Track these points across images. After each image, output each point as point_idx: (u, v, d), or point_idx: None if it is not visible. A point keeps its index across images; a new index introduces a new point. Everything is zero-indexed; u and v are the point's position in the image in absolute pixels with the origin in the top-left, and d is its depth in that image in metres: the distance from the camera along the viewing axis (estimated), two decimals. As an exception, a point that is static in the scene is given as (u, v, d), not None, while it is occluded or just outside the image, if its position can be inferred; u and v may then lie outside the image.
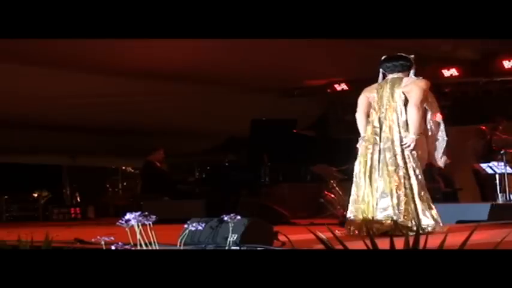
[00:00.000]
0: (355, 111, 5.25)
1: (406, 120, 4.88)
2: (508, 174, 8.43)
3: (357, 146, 5.10)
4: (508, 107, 10.11)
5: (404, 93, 4.95)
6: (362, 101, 5.14)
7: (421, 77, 5.07)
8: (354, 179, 5.02)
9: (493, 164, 8.72)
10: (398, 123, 4.91)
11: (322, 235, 2.52)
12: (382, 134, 4.95)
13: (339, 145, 8.73)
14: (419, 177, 4.83)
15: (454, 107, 9.88)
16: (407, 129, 4.87)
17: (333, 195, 8.54)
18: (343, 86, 11.23)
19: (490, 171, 8.77)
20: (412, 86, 4.94)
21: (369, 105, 5.10)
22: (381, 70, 5.21)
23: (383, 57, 5.20)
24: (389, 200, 4.75)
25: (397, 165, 4.81)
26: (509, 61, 9.70)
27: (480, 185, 9.40)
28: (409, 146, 4.79)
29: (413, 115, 4.84)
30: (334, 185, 8.53)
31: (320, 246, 2.36)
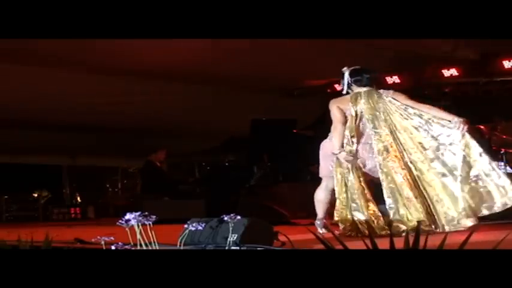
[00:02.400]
0: None
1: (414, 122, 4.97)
2: (508, 174, 8.41)
3: (341, 158, 5.02)
4: (508, 107, 10.10)
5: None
6: (340, 113, 5.10)
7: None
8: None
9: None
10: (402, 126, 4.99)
11: (321, 235, 2.52)
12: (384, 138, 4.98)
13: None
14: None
15: (454, 107, 9.87)
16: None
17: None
18: (343, 86, 11.22)
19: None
20: (396, 94, 5.09)
21: (345, 117, 5.10)
22: (347, 81, 5.22)
23: (353, 68, 5.24)
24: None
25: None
26: (509, 61, 9.70)
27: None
28: (464, 128, 4.82)
29: (430, 108, 4.99)
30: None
31: (320, 246, 2.36)
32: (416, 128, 4.96)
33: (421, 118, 4.94)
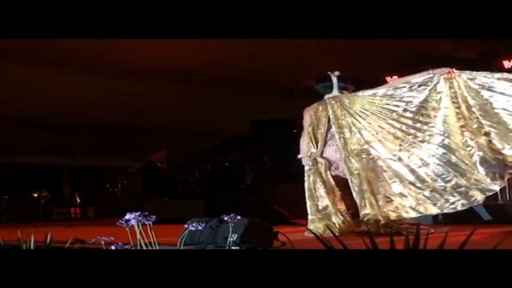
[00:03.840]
0: None
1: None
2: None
3: (304, 162, 5.32)
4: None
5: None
6: (310, 120, 5.46)
7: None
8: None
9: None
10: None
11: (321, 235, 2.52)
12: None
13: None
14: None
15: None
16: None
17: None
18: (343, 86, 11.23)
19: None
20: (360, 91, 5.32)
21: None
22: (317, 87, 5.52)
23: (323, 76, 5.58)
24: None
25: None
26: (509, 61, 9.70)
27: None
28: (449, 70, 5.30)
29: (404, 77, 5.42)
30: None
31: (320, 246, 2.36)
32: (398, 113, 5.08)
33: (399, 89, 5.16)
